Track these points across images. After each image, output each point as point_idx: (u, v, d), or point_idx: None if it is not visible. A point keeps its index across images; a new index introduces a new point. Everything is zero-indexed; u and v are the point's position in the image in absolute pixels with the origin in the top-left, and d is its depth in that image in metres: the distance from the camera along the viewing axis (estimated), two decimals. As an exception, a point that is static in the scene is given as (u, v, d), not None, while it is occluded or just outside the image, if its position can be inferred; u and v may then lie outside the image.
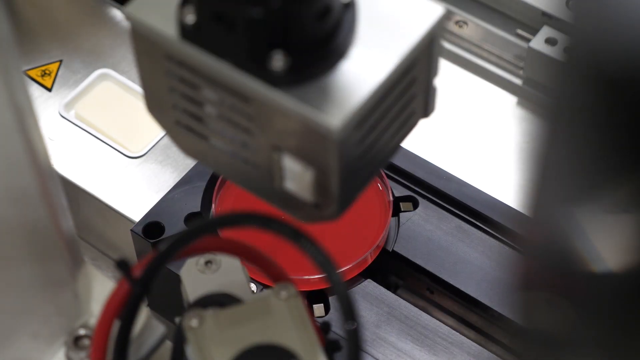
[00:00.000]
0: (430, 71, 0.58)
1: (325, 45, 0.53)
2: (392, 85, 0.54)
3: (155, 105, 0.58)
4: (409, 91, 0.57)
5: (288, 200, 0.56)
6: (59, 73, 0.96)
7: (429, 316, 0.81)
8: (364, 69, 0.53)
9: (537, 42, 0.95)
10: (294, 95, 0.52)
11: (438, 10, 0.56)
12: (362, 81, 0.52)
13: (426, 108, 0.59)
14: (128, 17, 0.55)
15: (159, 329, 0.63)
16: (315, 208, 0.56)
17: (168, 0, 0.54)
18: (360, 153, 0.55)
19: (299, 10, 0.51)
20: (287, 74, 0.52)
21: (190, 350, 0.60)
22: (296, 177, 0.55)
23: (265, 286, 0.80)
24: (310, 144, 0.53)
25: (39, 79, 0.95)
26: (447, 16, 0.59)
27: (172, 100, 0.57)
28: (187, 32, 0.53)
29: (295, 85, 0.52)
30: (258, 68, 0.52)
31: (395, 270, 0.86)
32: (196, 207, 0.84)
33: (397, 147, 0.60)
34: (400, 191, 0.87)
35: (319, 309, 0.81)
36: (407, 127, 0.59)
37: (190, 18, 0.53)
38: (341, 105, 0.52)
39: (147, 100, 0.59)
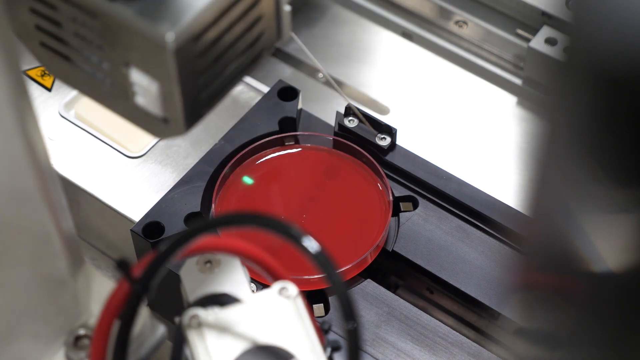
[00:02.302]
0: None
1: None
2: (232, 3, 0.57)
3: (21, 29, 0.61)
4: (252, 11, 0.60)
5: (142, 117, 0.60)
6: (59, 73, 0.96)
7: (429, 316, 0.81)
8: None
9: (537, 42, 0.95)
10: (132, 9, 0.55)
11: None
12: None
13: (279, 31, 0.63)
14: None
15: (159, 329, 0.63)
16: (165, 123, 0.59)
17: None
18: (203, 67, 0.58)
19: None
20: None
21: (190, 351, 0.60)
22: (144, 91, 0.58)
23: (265, 286, 0.80)
24: (152, 56, 0.56)
25: (39, 79, 0.95)
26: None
27: (34, 21, 0.60)
28: None
29: (134, 0, 0.55)
30: None
31: (395, 270, 0.86)
32: (196, 207, 0.84)
33: (248, 67, 0.63)
34: (400, 191, 0.87)
35: (319, 309, 0.81)
36: (256, 47, 0.62)
37: None
38: (177, 18, 0.55)
39: (13, 24, 0.60)
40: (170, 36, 0.54)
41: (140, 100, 0.59)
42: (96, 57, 0.60)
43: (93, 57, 0.60)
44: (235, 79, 0.62)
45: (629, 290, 0.39)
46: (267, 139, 0.88)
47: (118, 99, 0.61)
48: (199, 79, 0.59)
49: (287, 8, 0.63)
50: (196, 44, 0.57)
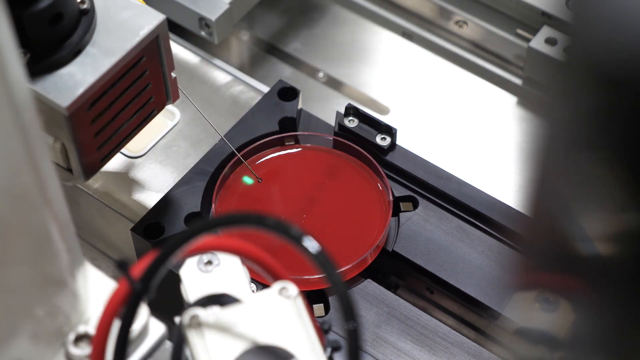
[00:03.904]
0: (163, 65, 0.75)
1: (61, 44, 0.70)
2: (118, 75, 0.72)
3: None
4: (138, 80, 0.74)
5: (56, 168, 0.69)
6: (59, 73, 0.96)
7: (429, 316, 0.81)
8: (93, 63, 0.71)
9: (537, 42, 0.95)
10: (37, 83, 0.69)
11: (159, 17, 0.74)
12: (90, 72, 0.71)
13: (167, 96, 0.78)
14: None
15: (159, 329, 0.63)
16: (69, 172, 0.74)
17: None
18: (97, 130, 0.73)
19: (30, 18, 0.67)
20: (30, 67, 0.69)
21: (190, 351, 0.60)
22: (51, 148, 0.72)
23: (265, 286, 0.80)
24: (54, 121, 0.70)
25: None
26: (165, 22, 0.74)
27: None
28: None
29: (39, 75, 0.70)
30: None
31: (395, 270, 0.86)
32: (196, 207, 0.84)
33: (141, 125, 0.77)
34: (400, 191, 0.87)
35: (319, 309, 0.81)
36: (147, 109, 0.76)
37: None
38: (71, 91, 0.69)
39: None
40: (65, 106, 0.69)
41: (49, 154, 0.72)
42: None
43: None
44: (129, 136, 0.77)
45: (630, 289, 0.39)
46: (267, 139, 0.88)
47: None
48: (94, 138, 0.73)
49: (173, 75, 0.77)
50: (89, 112, 0.71)
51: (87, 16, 0.72)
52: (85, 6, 0.72)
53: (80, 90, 0.70)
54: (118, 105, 0.74)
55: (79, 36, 0.71)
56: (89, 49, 0.72)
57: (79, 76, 0.70)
